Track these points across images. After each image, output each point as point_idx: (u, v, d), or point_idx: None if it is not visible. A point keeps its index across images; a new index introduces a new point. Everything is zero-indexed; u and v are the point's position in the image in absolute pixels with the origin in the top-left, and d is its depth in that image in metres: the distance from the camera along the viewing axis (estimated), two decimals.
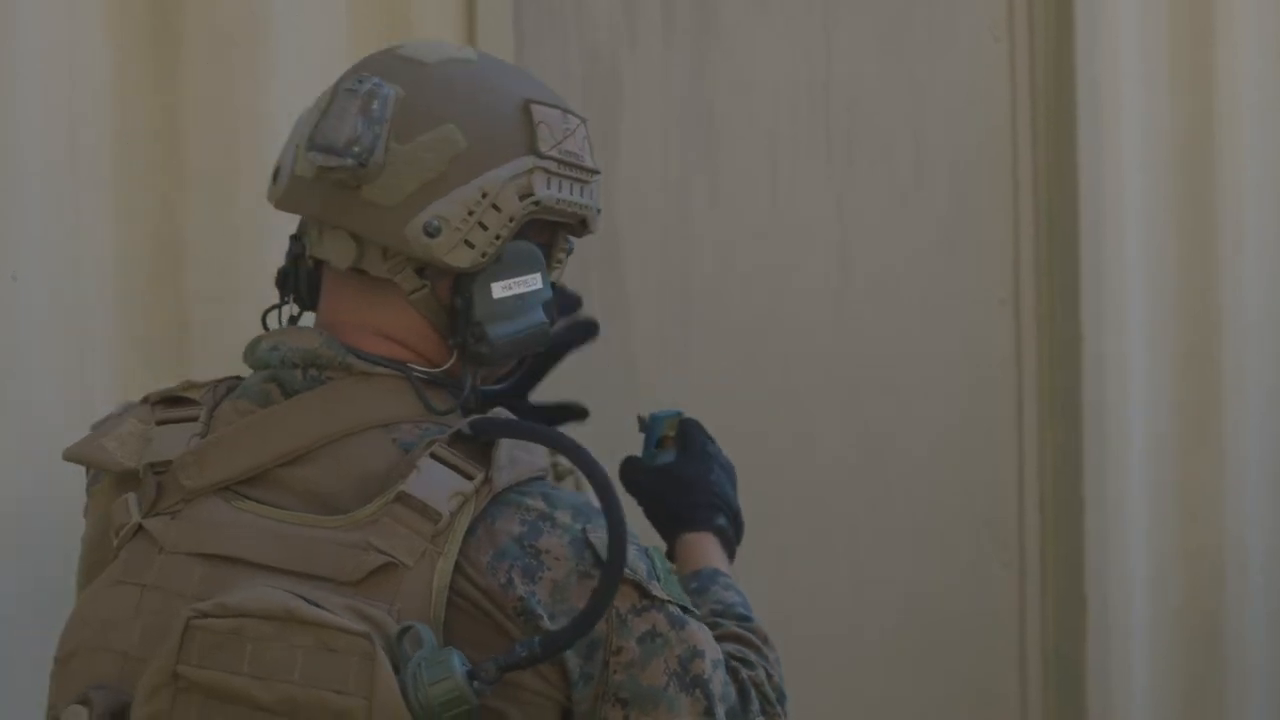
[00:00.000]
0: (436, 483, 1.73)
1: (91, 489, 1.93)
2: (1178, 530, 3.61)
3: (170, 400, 1.88)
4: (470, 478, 1.75)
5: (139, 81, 2.59)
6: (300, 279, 1.92)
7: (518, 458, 1.78)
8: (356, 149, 1.78)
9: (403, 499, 1.72)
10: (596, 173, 1.92)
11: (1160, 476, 3.59)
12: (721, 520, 2.12)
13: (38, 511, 2.52)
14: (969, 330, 3.44)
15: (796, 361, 3.30)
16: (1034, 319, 3.47)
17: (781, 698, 1.91)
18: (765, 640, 1.94)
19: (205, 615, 1.68)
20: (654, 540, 2.00)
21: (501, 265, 1.84)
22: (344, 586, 1.70)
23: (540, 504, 1.78)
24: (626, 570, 1.74)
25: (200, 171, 2.63)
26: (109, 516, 1.84)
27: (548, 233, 1.90)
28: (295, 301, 1.94)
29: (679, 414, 2.22)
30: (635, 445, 2.15)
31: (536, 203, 1.84)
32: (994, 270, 3.45)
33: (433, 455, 1.75)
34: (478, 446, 1.78)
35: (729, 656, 1.87)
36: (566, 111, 1.90)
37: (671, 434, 2.21)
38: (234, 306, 2.61)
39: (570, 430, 1.96)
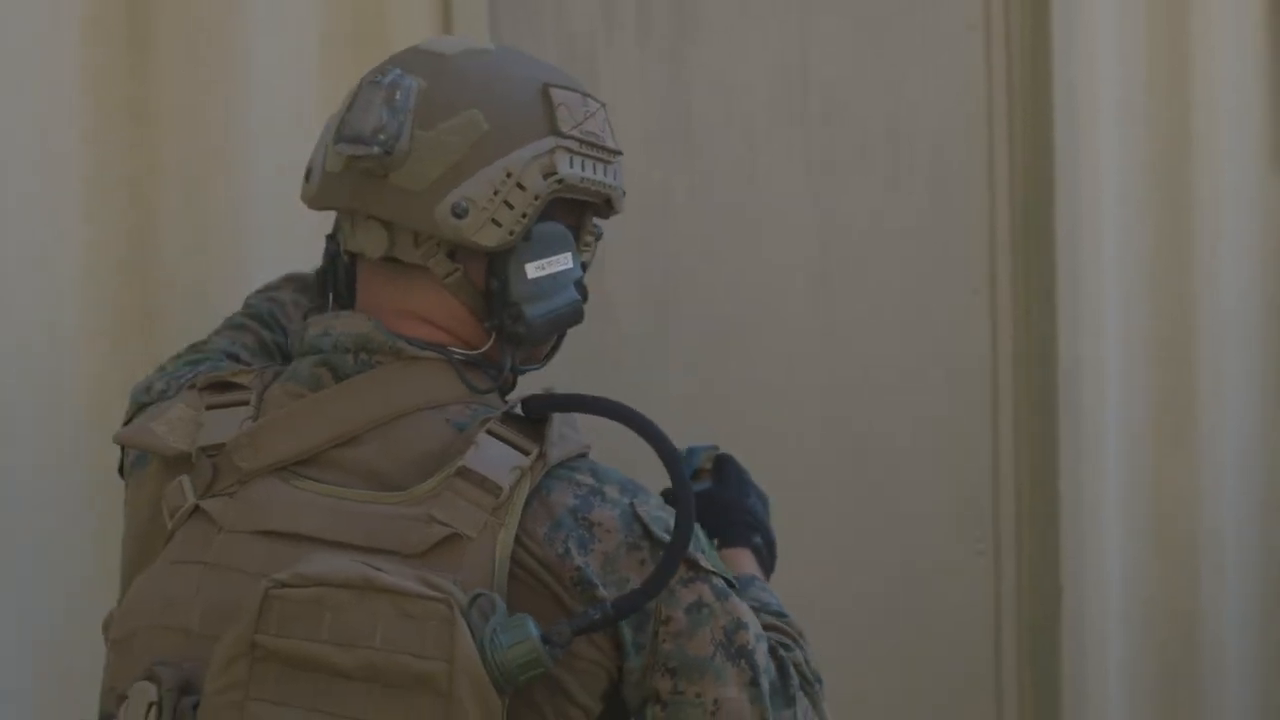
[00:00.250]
0: (495, 458, 1.79)
1: (133, 474, 1.96)
2: (1153, 520, 3.61)
3: (219, 385, 1.92)
4: (526, 453, 1.81)
5: (111, 73, 2.61)
6: (338, 276, 1.97)
7: (566, 435, 1.85)
8: (382, 137, 1.83)
9: (463, 473, 1.78)
10: (618, 153, 1.97)
11: (1135, 467, 3.59)
12: (758, 539, 2.23)
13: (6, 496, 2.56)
14: (945, 323, 3.45)
15: (775, 354, 3.33)
16: (1010, 311, 3.47)
17: (818, 680, 1.96)
18: (801, 635, 2.00)
19: (284, 585, 1.71)
20: None
21: (533, 246, 1.89)
22: (410, 559, 1.74)
23: (590, 479, 1.84)
24: None
25: (171, 163, 2.65)
26: (159, 500, 1.88)
27: (574, 213, 1.96)
28: (334, 298, 1.99)
29: (715, 448, 2.31)
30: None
31: (560, 180, 1.88)
32: (970, 263, 3.46)
33: (489, 432, 1.81)
34: (529, 424, 1.85)
35: (769, 637, 1.91)
36: (586, 95, 1.95)
37: (708, 467, 2.29)
38: (204, 297, 2.64)
39: None
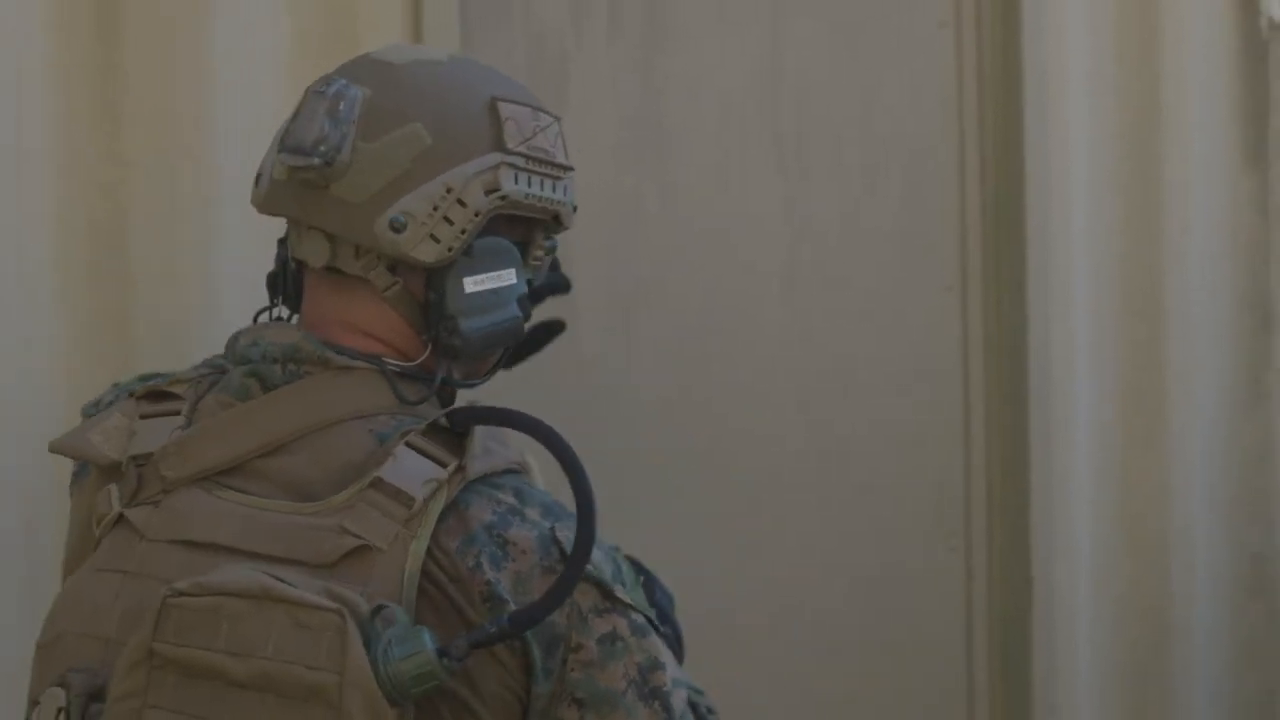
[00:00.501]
0: (411, 469, 1.77)
1: (76, 482, 1.97)
2: (1123, 515, 3.62)
3: (154, 395, 1.92)
4: (444, 465, 1.78)
5: (80, 71, 2.61)
6: (287, 281, 1.96)
7: (491, 449, 1.82)
8: (323, 148, 1.82)
9: (377, 484, 1.76)
10: (569, 169, 1.94)
11: (1106, 463, 3.59)
12: (666, 629, 2.12)
13: None
14: (918, 320, 3.46)
15: (748, 354, 3.34)
16: (981, 307, 3.48)
17: None
18: (714, 712, 1.95)
19: (182, 594, 1.71)
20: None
21: (473, 260, 1.86)
22: (319, 570, 1.72)
23: (511, 498, 1.81)
24: (590, 567, 1.78)
25: (141, 157, 2.65)
26: (93, 508, 1.87)
27: (521, 229, 1.93)
28: (284, 303, 1.98)
29: (616, 549, 2.28)
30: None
31: (503, 197, 1.86)
32: (941, 258, 3.47)
33: (408, 444, 1.78)
34: (453, 437, 1.82)
35: (689, 691, 1.88)
36: (537, 109, 1.92)
37: None
38: (175, 290, 2.65)
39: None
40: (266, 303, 1.99)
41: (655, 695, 1.81)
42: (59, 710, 1.77)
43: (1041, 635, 3.47)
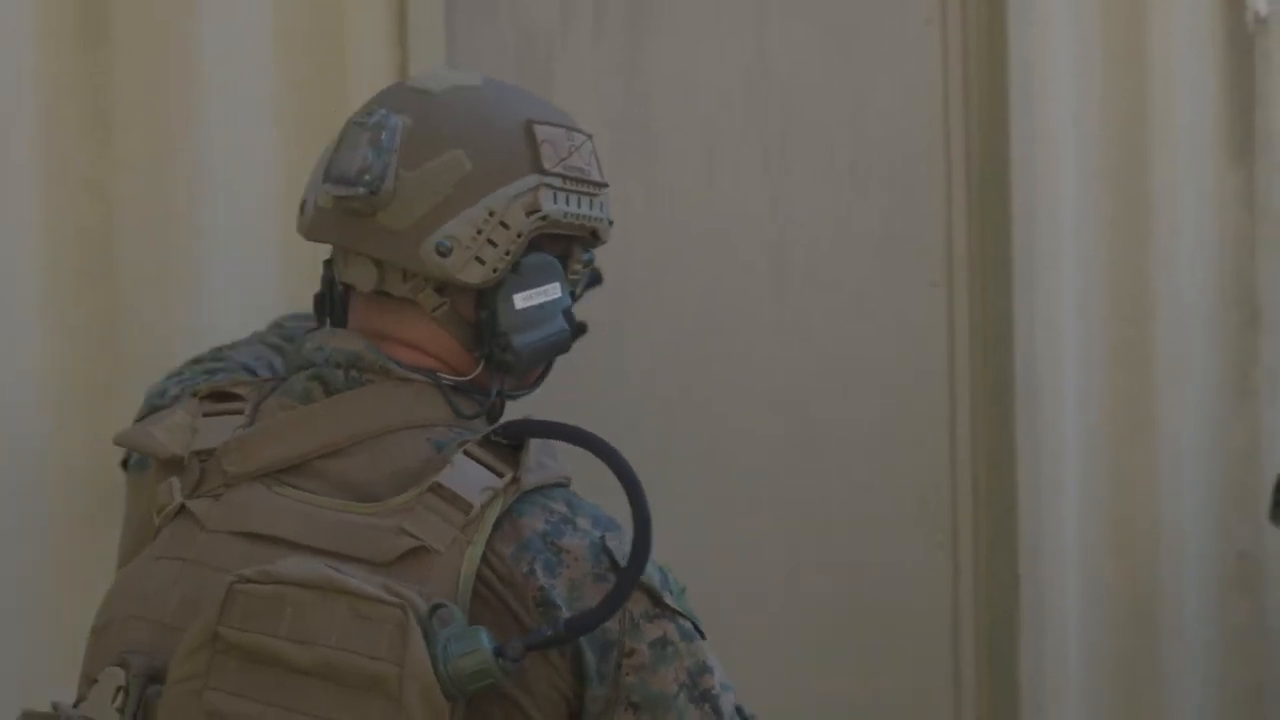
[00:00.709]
0: (469, 477, 1.84)
1: (134, 475, 2.06)
2: (1111, 511, 3.62)
3: (218, 395, 1.99)
4: (500, 475, 1.85)
5: (68, 73, 2.62)
6: (334, 302, 2.02)
7: (545, 463, 1.89)
8: (367, 178, 1.88)
9: (436, 489, 1.82)
10: (604, 186, 2.02)
11: (1093, 459, 3.59)
12: None
13: None
14: (904, 317, 3.46)
15: (733, 346, 3.34)
16: (967, 303, 3.48)
17: None
18: (754, 717, 2.00)
19: (249, 580, 1.77)
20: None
21: (521, 277, 1.94)
22: (378, 568, 1.79)
23: (563, 508, 1.88)
24: (642, 576, 1.83)
25: (130, 158, 2.66)
26: (154, 499, 1.94)
27: (561, 245, 2.00)
28: (331, 323, 2.04)
29: None
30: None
31: (543, 217, 1.93)
32: (927, 254, 3.47)
33: (466, 453, 1.86)
34: (508, 450, 1.89)
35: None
36: (571, 129, 1.99)
37: None
38: (165, 295, 2.65)
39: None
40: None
41: (705, 698, 1.88)
42: (118, 689, 1.82)
43: (1029, 631, 3.48)
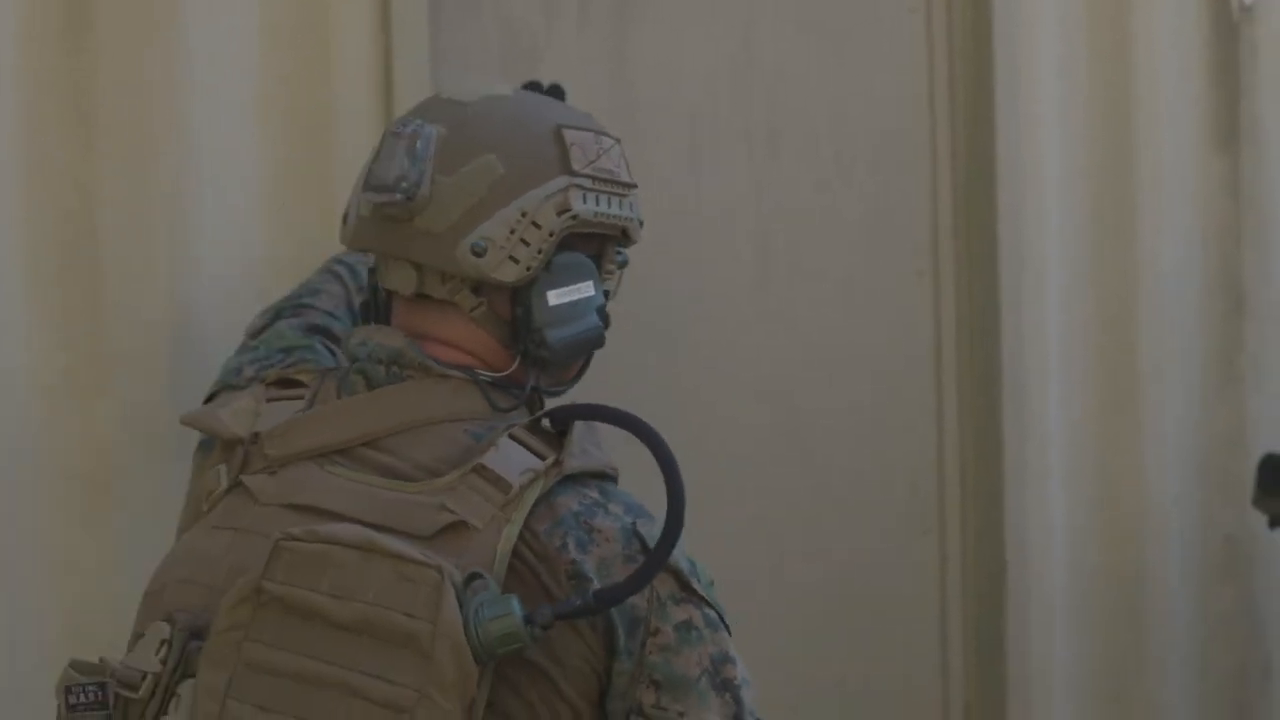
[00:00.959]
0: (512, 459, 1.92)
1: (200, 452, 2.12)
2: (1097, 499, 3.64)
3: (283, 382, 2.09)
4: (543, 458, 1.93)
5: (51, 68, 2.61)
6: (379, 308, 2.12)
7: (589, 451, 1.98)
8: (405, 184, 1.97)
9: (479, 470, 1.91)
10: (633, 186, 2.09)
11: (1079, 444, 3.61)
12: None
13: None
14: (890, 304, 3.47)
15: (719, 335, 3.34)
16: (953, 291, 3.50)
17: None
18: None
19: (294, 539, 1.86)
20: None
21: (555, 275, 2.01)
22: (419, 541, 1.86)
23: (596, 494, 1.96)
24: (671, 559, 1.90)
25: (114, 152, 2.65)
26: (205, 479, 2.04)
27: (595, 244, 2.07)
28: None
29: None
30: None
31: (574, 217, 2.01)
32: (913, 242, 3.48)
33: (511, 436, 1.95)
34: (553, 436, 1.98)
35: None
36: (600, 133, 2.07)
37: None
38: (149, 289, 2.65)
39: None
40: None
41: (727, 687, 1.93)
42: (162, 642, 1.90)
43: (1016, 618, 3.49)
